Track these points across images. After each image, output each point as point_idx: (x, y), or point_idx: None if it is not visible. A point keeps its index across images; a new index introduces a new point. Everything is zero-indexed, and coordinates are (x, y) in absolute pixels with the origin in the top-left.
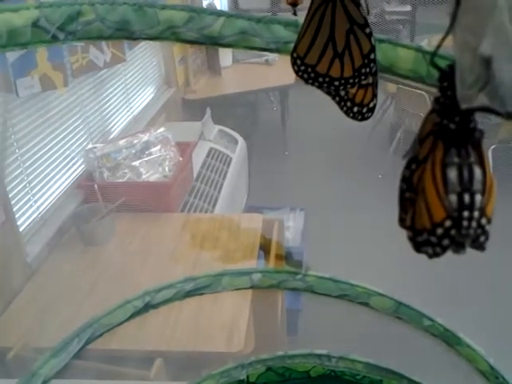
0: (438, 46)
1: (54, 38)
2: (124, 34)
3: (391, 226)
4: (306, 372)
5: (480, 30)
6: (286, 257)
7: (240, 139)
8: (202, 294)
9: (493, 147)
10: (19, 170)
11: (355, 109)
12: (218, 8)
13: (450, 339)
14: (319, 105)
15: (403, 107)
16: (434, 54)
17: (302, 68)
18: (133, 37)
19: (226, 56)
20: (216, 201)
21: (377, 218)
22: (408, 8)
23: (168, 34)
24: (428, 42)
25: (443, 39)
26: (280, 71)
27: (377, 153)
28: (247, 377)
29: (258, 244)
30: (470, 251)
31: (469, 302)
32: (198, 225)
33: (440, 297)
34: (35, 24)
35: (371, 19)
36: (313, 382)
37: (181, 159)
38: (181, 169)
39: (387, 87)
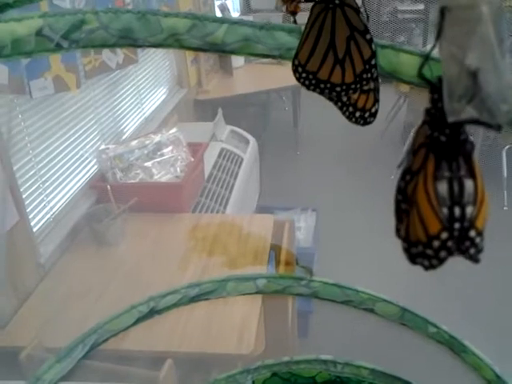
0: (426, 59)
1: (58, 47)
2: (127, 41)
3: None
4: (312, 377)
5: (465, 43)
6: (297, 258)
7: (251, 139)
8: (207, 299)
9: (507, 148)
10: (33, 171)
11: (357, 114)
12: (230, 8)
13: (455, 347)
14: (331, 104)
15: (416, 107)
16: (421, 67)
17: (304, 75)
18: (136, 44)
19: (237, 56)
20: (227, 201)
21: (389, 219)
22: (421, 7)
23: (171, 41)
24: None
25: (430, 51)
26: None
27: (390, 153)
28: (253, 382)
29: (268, 245)
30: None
31: (476, 310)
32: (209, 225)
33: (453, 302)
34: (39, 33)
35: (384, 18)
36: None
37: (192, 160)
38: (192, 169)
39: (400, 87)
